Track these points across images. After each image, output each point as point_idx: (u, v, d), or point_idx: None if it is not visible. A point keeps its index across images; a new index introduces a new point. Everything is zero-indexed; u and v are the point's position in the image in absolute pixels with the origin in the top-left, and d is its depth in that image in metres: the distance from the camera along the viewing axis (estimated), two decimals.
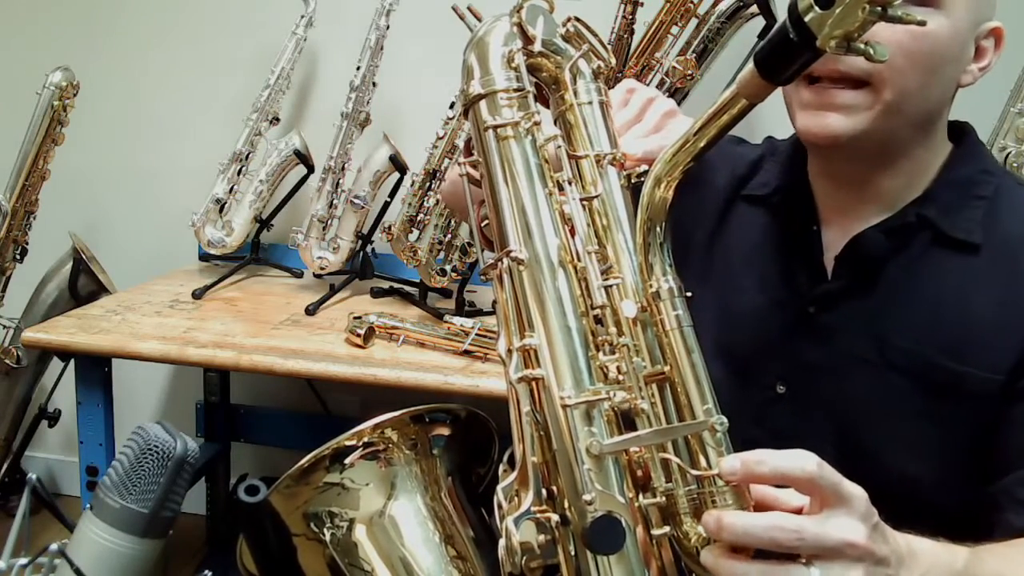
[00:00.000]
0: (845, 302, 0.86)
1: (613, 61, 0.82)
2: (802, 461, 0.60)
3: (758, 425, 0.87)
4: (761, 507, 0.63)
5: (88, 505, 1.01)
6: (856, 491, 0.60)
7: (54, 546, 0.98)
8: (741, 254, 0.95)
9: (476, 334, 1.59)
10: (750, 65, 0.60)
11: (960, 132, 0.89)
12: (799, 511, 0.63)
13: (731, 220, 0.98)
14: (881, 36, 0.73)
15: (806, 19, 0.55)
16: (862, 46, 0.55)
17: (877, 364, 0.84)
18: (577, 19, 0.80)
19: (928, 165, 0.86)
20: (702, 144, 0.65)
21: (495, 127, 0.74)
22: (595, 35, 0.80)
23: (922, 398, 0.82)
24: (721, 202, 0.98)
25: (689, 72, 1.73)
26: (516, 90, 0.75)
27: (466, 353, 1.59)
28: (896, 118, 0.79)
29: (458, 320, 1.64)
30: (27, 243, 1.99)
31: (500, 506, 0.66)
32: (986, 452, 0.81)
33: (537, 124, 0.74)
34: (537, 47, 0.78)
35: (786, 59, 0.58)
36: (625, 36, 1.76)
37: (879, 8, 0.53)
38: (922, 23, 0.56)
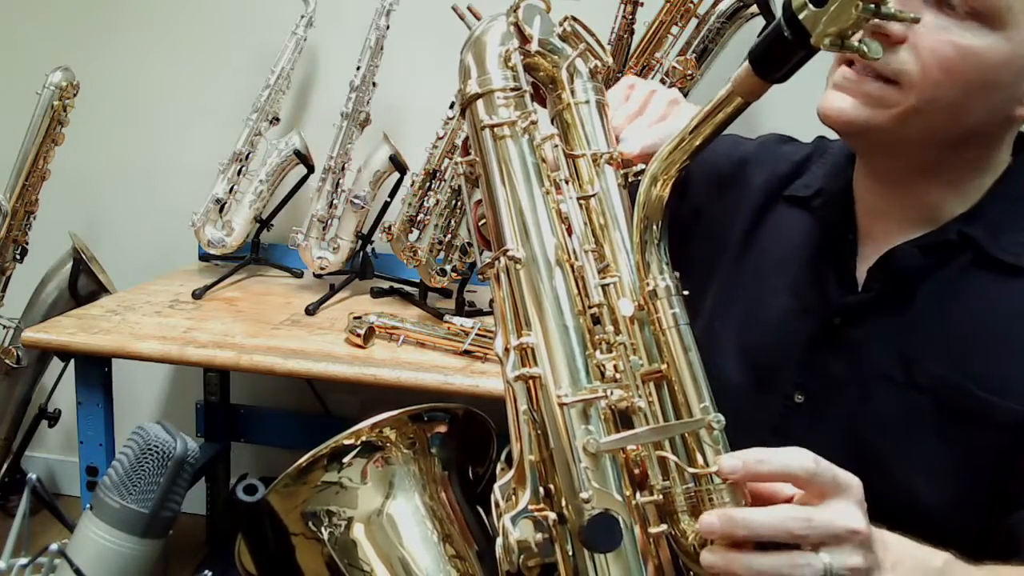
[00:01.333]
0: (873, 316, 0.82)
1: (610, 60, 0.82)
2: (801, 458, 0.61)
3: (774, 433, 0.84)
4: (757, 502, 0.63)
5: (88, 505, 1.01)
6: (852, 480, 0.62)
7: (54, 546, 0.98)
8: (775, 256, 0.91)
9: (476, 334, 1.59)
10: (745, 63, 0.60)
11: (1019, 143, 0.82)
12: (789, 502, 0.63)
13: (768, 220, 0.93)
14: (924, 45, 0.70)
15: (800, 17, 0.55)
16: (856, 44, 0.55)
17: (900, 383, 0.79)
18: (574, 18, 0.80)
19: (976, 184, 0.80)
20: (698, 142, 0.65)
21: (492, 126, 0.74)
22: (592, 34, 0.81)
23: (944, 422, 0.78)
24: (759, 201, 0.94)
25: (689, 72, 1.72)
26: (513, 89, 0.76)
27: (466, 353, 1.59)
28: (915, 126, 0.74)
29: (458, 320, 1.64)
30: (27, 243, 1.99)
31: (497, 504, 0.67)
32: (1005, 482, 0.77)
33: (534, 123, 0.75)
34: (534, 46, 0.78)
35: (781, 57, 0.58)
36: (625, 36, 1.76)
37: (873, 6, 0.53)
38: (916, 20, 0.57)
